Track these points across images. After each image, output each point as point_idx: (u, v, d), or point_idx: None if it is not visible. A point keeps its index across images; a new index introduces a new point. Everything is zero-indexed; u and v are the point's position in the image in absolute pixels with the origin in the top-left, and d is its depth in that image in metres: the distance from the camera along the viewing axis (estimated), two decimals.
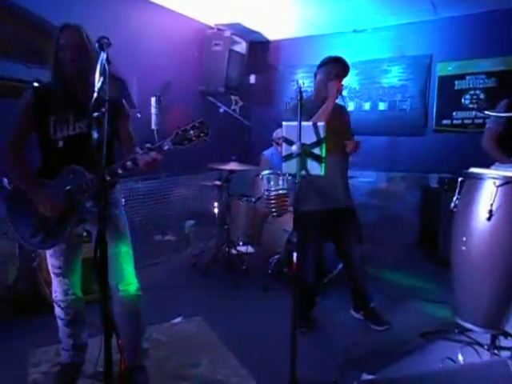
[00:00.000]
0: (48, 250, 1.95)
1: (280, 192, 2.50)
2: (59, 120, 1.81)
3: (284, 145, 1.87)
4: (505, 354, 2.17)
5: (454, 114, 4.49)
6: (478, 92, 4.37)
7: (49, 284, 2.77)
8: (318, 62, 5.77)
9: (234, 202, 3.96)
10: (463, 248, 1.97)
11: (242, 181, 4.89)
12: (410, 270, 3.87)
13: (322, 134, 1.82)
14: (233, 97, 5.44)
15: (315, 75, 2.74)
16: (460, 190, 2.08)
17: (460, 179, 2.10)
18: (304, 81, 5.39)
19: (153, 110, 4.08)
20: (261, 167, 4.24)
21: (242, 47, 4.85)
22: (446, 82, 4.52)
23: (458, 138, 4.49)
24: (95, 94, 1.28)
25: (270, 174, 3.37)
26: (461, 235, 2.00)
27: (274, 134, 4.41)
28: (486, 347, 2.21)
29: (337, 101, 2.55)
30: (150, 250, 4.08)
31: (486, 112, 2.34)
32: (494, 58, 4.25)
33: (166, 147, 1.76)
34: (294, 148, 1.69)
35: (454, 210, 2.10)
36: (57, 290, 2.03)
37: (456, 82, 4.46)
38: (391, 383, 1.43)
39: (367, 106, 5.01)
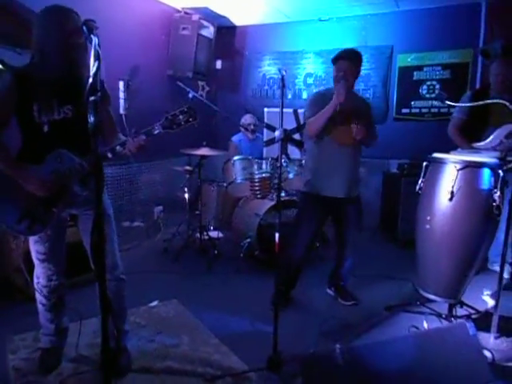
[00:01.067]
0: (34, 236, 1.91)
1: (263, 175, 2.58)
2: (43, 105, 1.76)
3: (265, 130, 1.95)
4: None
5: (412, 103, 4.76)
6: (434, 83, 4.64)
7: (19, 271, 2.73)
8: (284, 49, 5.83)
9: (204, 187, 4.00)
10: (427, 226, 2.16)
11: (210, 166, 4.92)
12: (374, 251, 4.10)
13: (302, 121, 1.91)
14: (199, 82, 5.42)
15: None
16: (425, 173, 2.26)
17: (425, 163, 2.28)
18: (271, 68, 5.47)
19: (121, 95, 4.00)
20: (229, 153, 4.30)
21: (209, 32, 4.82)
22: (406, 72, 4.76)
23: (415, 125, 4.77)
24: (91, 79, 1.29)
25: (250, 158, 3.43)
26: (425, 215, 2.19)
27: (243, 120, 4.48)
28: (443, 316, 2.44)
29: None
30: (119, 235, 4.03)
31: (448, 102, 2.52)
32: (449, 50, 4.53)
33: (157, 131, 1.84)
34: (277, 133, 1.77)
35: (419, 192, 2.28)
36: (40, 276, 2.01)
37: (415, 73, 4.71)
38: (368, 348, 1.58)
39: None
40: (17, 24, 3.14)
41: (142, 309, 2.79)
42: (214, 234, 4.09)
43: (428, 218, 2.15)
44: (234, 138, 4.51)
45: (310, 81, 5.22)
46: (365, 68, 4.91)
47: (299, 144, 1.89)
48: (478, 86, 4.42)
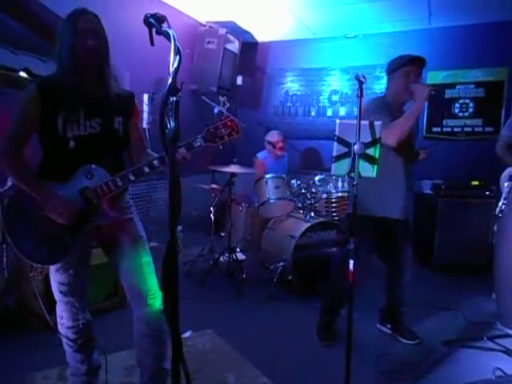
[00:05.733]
0: (55, 264, 1.67)
1: (340, 194, 2.27)
2: (69, 118, 1.56)
3: (336, 144, 1.74)
4: None
5: (444, 121, 4.59)
6: (467, 101, 4.48)
7: (35, 297, 2.47)
8: (308, 66, 5.70)
9: (232, 206, 3.78)
10: None
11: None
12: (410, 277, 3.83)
13: (378, 134, 1.71)
14: (220, 97, 5.26)
15: (389, 76, 2.48)
16: (507, 195, 2.04)
17: (506, 184, 2.07)
18: (294, 85, 5.33)
19: (145, 108, 3.82)
20: (257, 170, 4.10)
21: (235, 46, 4.69)
22: (437, 90, 4.60)
23: (447, 145, 4.58)
24: (170, 78, 1.08)
25: (284, 176, 3.25)
26: None
27: (269, 138, 4.30)
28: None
29: None
30: None
31: None
32: (483, 68, 4.39)
33: (198, 144, 1.66)
34: (356, 148, 1.57)
35: (499, 215, 2.06)
36: (63, 316, 1.74)
37: (446, 91, 4.56)
38: None
39: None
40: (42, 31, 2.98)
41: None
42: (241, 256, 3.84)
43: None
44: (260, 155, 4.33)
45: (335, 98, 5.07)
46: None
47: (373, 160, 1.68)
48: None
